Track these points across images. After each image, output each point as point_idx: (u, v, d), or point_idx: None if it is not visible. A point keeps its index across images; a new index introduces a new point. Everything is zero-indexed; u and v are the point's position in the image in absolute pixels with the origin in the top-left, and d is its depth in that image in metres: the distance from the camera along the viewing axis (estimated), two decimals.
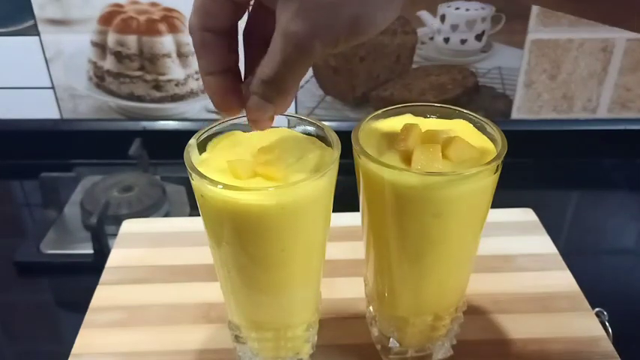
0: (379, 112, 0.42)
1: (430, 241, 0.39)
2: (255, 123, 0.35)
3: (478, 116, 0.41)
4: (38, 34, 0.80)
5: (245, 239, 0.37)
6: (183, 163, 0.36)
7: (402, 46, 0.82)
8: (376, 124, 0.41)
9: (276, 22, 0.32)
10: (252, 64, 0.36)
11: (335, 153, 0.37)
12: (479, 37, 0.82)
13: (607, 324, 0.51)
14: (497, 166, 0.37)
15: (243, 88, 0.35)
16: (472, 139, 0.39)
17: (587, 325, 0.51)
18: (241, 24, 0.36)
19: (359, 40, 0.32)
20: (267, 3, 0.34)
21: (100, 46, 0.82)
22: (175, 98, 0.86)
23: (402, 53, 0.82)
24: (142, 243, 0.61)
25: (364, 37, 0.32)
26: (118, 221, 0.66)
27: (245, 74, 0.37)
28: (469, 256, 0.42)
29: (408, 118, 0.42)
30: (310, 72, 0.84)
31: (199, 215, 0.39)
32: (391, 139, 0.39)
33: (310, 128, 0.41)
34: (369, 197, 0.40)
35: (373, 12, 0.31)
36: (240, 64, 0.37)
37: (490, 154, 0.38)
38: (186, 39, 0.81)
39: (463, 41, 0.82)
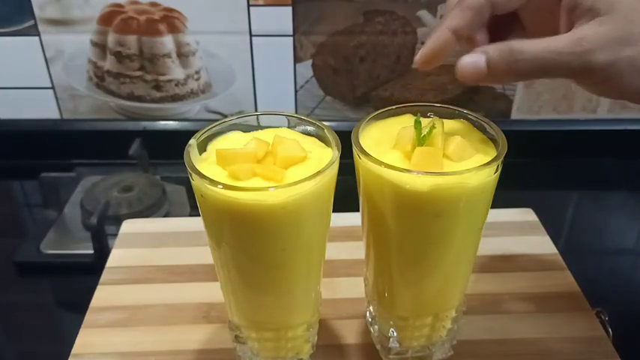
0: (379, 112, 0.42)
1: (430, 241, 0.39)
2: (465, 77, 0.37)
3: (478, 116, 0.41)
4: (38, 34, 0.80)
5: (245, 239, 0.37)
6: (183, 163, 0.37)
7: (402, 46, 0.82)
8: (376, 124, 0.41)
9: (575, 22, 0.34)
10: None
11: (335, 153, 0.38)
12: None
13: (607, 324, 0.51)
14: (497, 166, 0.37)
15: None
16: (472, 139, 0.39)
17: (587, 325, 0.51)
18: None
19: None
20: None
21: (100, 46, 0.82)
22: (175, 98, 0.86)
23: (402, 53, 0.82)
24: (142, 243, 0.61)
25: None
26: (118, 221, 0.66)
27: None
28: (469, 256, 0.42)
29: (408, 118, 0.42)
30: (310, 72, 0.84)
31: (199, 215, 0.39)
32: (391, 139, 0.39)
33: (310, 128, 0.41)
34: (369, 197, 0.40)
35: None
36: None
37: (490, 154, 0.38)
38: (186, 39, 0.81)
39: None
